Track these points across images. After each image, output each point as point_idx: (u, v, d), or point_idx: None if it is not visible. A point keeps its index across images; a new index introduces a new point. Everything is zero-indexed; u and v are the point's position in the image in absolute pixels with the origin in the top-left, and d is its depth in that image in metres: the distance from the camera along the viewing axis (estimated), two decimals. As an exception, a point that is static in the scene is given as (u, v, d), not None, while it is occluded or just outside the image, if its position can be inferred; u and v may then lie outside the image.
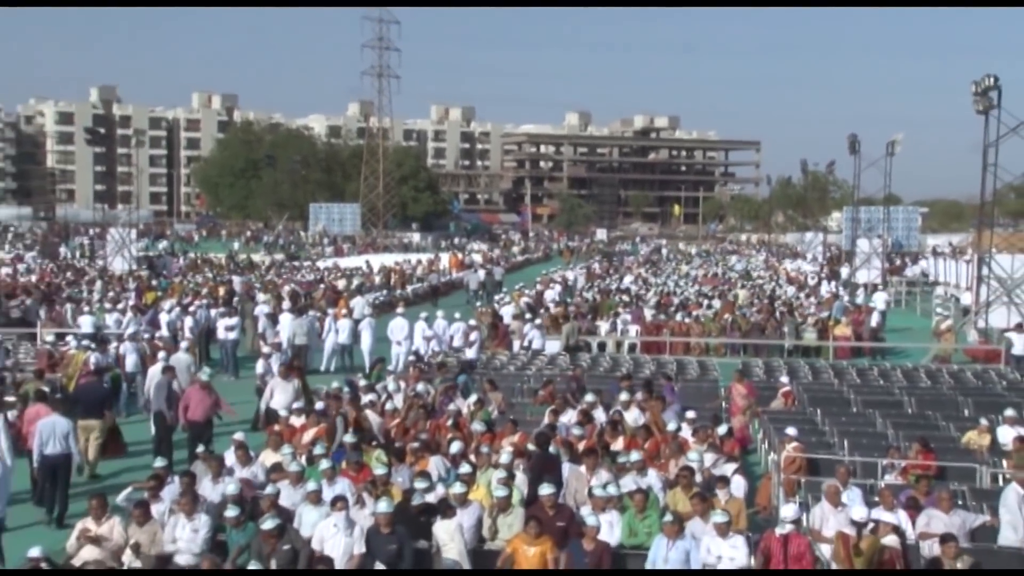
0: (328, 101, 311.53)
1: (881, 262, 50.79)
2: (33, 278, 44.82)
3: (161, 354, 20.69)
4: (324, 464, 12.99)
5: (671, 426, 15.71)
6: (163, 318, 28.65)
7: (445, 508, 11.76)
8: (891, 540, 11.26)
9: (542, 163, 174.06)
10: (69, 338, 24.86)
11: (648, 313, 34.33)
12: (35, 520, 14.34)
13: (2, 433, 13.61)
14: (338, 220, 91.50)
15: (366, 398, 17.36)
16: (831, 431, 17.20)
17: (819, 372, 24.52)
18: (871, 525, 11.33)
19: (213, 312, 29.30)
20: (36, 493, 15.02)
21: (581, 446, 14.53)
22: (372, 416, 16.39)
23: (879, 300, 38.09)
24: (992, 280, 31.82)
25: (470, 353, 25.21)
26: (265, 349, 22.38)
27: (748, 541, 11.16)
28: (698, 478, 13.09)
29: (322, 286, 42.78)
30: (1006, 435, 16.09)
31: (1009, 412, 17.08)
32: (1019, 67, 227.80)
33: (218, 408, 17.28)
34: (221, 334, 26.99)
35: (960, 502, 13.07)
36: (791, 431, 15.77)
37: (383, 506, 11.35)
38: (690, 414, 16.73)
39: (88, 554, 11.09)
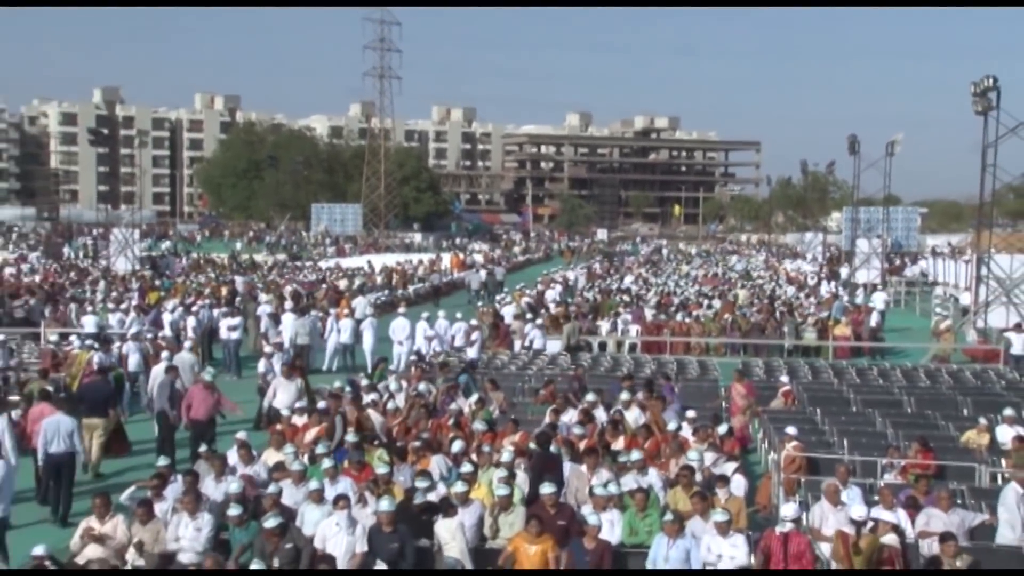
0: (330, 102, 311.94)
1: (880, 262, 50.78)
2: (37, 278, 44.87)
3: (164, 354, 20.79)
4: (326, 463, 13.02)
5: (671, 425, 15.77)
6: (166, 318, 28.69)
7: (447, 507, 11.79)
8: (890, 539, 11.28)
9: (543, 164, 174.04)
10: (73, 338, 24.93)
11: (649, 313, 34.38)
12: (39, 519, 14.40)
13: (6, 432, 13.68)
14: (340, 220, 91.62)
15: (368, 397, 17.40)
16: (831, 430, 17.25)
17: (819, 372, 24.55)
18: (870, 524, 11.34)
19: (216, 312, 29.39)
20: (40, 492, 15.08)
21: (582, 445, 14.57)
22: (374, 415, 16.42)
23: (878, 300, 38.13)
24: (991, 280, 31.86)
25: (471, 353, 25.27)
26: (267, 349, 22.42)
27: (748, 540, 11.19)
28: (698, 477, 13.12)
29: (324, 286, 42.84)
30: (1005, 434, 16.14)
31: (1008, 411, 17.17)
32: (1018, 68, 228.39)
33: (220, 407, 17.34)
34: (224, 334, 27.06)
35: (959, 501, 13.12)
36: (791, 430, 15.83)
37: (385, 505, 11.39)
38: (690, 413, 16.82)
39: (92, 552, 11.12)
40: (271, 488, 12.27)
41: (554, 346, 28.25)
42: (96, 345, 22.06)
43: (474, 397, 17.73)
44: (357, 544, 11.26)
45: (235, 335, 26.96)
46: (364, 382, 19.05)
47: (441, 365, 22.11)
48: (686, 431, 15.71)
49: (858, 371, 24.64)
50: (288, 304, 30.33)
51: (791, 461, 14.98)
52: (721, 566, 10.99)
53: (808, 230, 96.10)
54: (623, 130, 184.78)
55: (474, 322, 28.04)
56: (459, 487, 12.16)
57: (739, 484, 13.49)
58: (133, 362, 21.98)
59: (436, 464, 13.81)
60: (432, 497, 12.39)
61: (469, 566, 11.33)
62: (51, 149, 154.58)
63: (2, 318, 31.15)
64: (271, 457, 14.00)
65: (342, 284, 43.78)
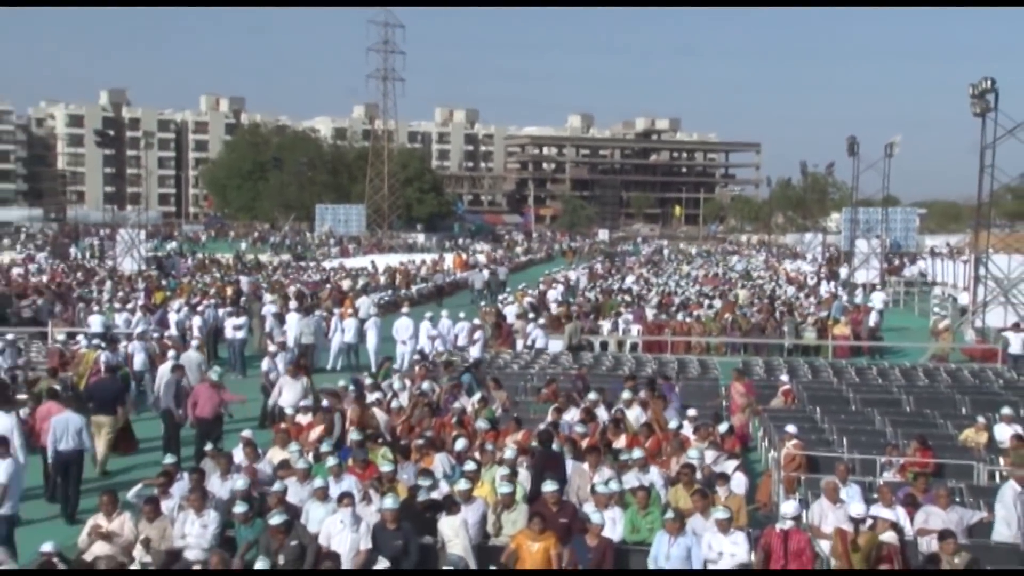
0: (334, 104, 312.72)
1: (880, 262, 50.83)
2: (44, 278, 45.07)
3: (171, 353, 20.93)
4: (331, 461, 13.09)
5: (672, 424, 15.85)
6: (172, 317, 28.93)
7: (450, 504, 11.84)
8: (889, 536, 11.33)
9: (545, 165, 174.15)
10: (80, 337, 25.09)
11: (650, 313, 34.48)
12: (47, 516, 14.52)
13: (16, 431, 13.78)
14: (344, 221, 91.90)
15: (372, 396, 17.51)
16: (830, 429, 17.33)
17: (818, 371, 24.63)
18: (869, 521, 11.40)
19: (221, 312, 29.48)
20: (48, 489, 15.24)
21: (584, 444, 14.63)
22: (379, 414, 16.51)
23: (877, 300, 38.24)
24: (989, 280, 31.96)
25: (474, 352, 25.40)
26: (271, 348, 22.54)
27: (749, 537, 11.24)
28: (698, 475, 13.20)
29: (328, 286, 42.97)
30: (1003, 433, 16.23)
31: (1006, 410, 17.27)
32: (1016, 70, 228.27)
33: (226, 404, 17.46)
34: (229, 333, 27.20)
35: (957, 499, 13.18)
36: (791, 429, 15.92)
37: (389, 502, 11.44)
38: (691, 412, 16.91)
39: (99, 549, 11.15)
40: (276, 486, 12.32)
41: (556, 345, 28.38)
42: (103, 344, 22.16)
43: (477, 396, 17.84)
44: (361, 541, 11.30)
45: (240, 334, 27.09)
46: (368, 381, 19.14)
47: (446, 364, 22.18)
48: (687, 430, 15.78)
49: (857, 370, 24.71)
50: (292, 304, 30.44)
51: (791, 459, 15.05)
52: (722, 563, 11.04)
53: (808, 231, 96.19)
54: (624, 131, 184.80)
55: (477, 321, 28.13)
56: (462, 485, 12.20)
57: (740, 482, 13.55)
58: (138, 361, 22.14)
59: (439, 462, 13.87)
60: (435, 495, 12.46)
61: (472, 563, 11.37)
62: (58, 151, 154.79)
63: (10, 317, 31.29)
64: (276, 455, 14.05)
65: (346, 284, 43.85)
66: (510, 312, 32.59)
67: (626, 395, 17.63)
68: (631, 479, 12.96)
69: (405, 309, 29.77)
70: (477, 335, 26.42)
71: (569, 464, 13.57)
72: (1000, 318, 31.17)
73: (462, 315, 29.48)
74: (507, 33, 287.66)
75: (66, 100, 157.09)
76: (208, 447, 14.60)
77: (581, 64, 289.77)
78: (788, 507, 11.31)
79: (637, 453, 13.72)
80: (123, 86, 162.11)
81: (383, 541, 11.26)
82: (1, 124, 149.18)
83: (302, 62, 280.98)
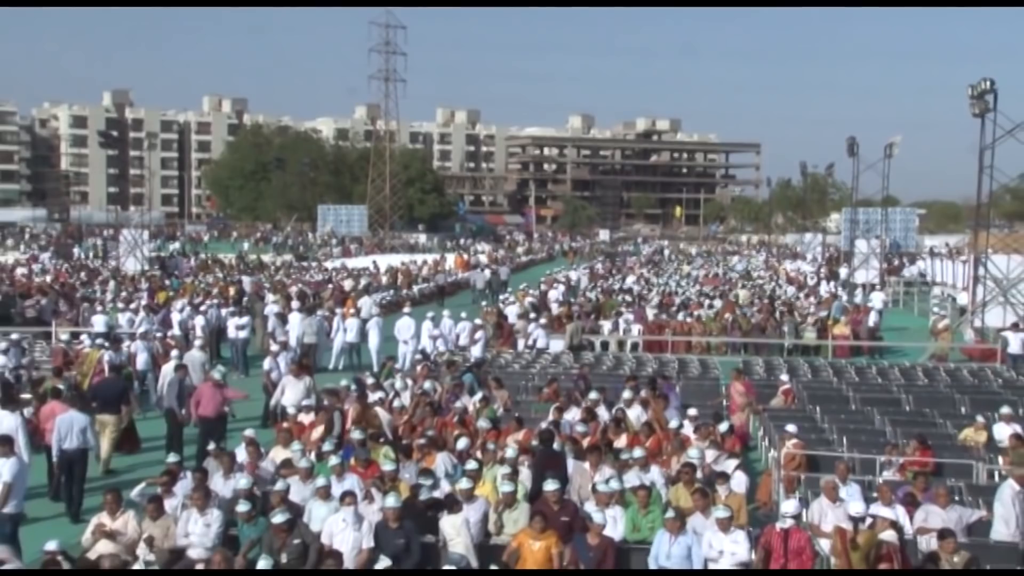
0: (336, 104, 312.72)
1: (879, 262, 50.91)
2: (48, 278, 45.20)
3: (174, 352, 21.01)
4: (333, 460, 13.14)
5: (673, 423, 15.90)
6: (175, 317, 29.10)
7: (452, 503, 11.89)
8: (889, 535, 11.36)
9: (546, 165, 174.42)
10: (83, 337, 25.19)
11: (650, 312, 34.55)
12: (51, 514, 14.59)
13: (21, 431, 13.86)
14: (346, 221, 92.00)
15: (375, 396, 17.57)
16: (830, 428, 17.40)
17: (818, 370, 24.70)
18: (869, 520, 11.43)
19: (223, 311, 29.59)
20: (52, 488, 15.31)
21: (585, 443, 14.68)
22: (382, 413, 16.57)
23: (877, 300, 38.33)
24: (988, 280, 32.04)
25: (475, 351, 25.46)
26: (273, 347, 22.62)
27: (749, 536, 11.27)
28: (699, 474, 13.24)
29: (330, 286, 43.01)
30: (1002, 432, 16.28)
31: (1005, 410, 17.33)
32: (1015, 71, 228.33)
33: (228, 401, 17.54)
34: (232, 333, 27.32)
35: (957, 498, 13.24)
36: (791, 428, 15.99)
37: (391, 501, 11.48)
38: (692, 411, 16.96)
39: (103, 548, 11.18)
40: (279, 485, 12.34)
41: (557, 345, 28.46)
42: (106, 344, 22.22)
43: (478, 395, 17.89)
44: (363, 540, 11.35)
45: (243, 334, 27.22)
46: (370, 380, 19.21)
47: (449, 364, 22.25)
48: (688, 429, 15.83)
49: (857, 370, 24.77)
50: (295, 304, 30.53)
51: (791, 458, 15.10)
52: (722, 562, 11.07)
53: (808, 231, 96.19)
54: (625, 132, 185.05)
55: (478, 321, 28.20)
56: (464, 484, 12.24)
57: (740, 481, 13.59)
58: (141, 361, 22.23)
59: (441, 461, 13.90)
60: (436, 494, 12.52)
61: (474, 562, 11.41)
62: (61, 151, 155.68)
63: (14, 317, 31.46)
64: (279, 454, 14.09)
65: (348, 284, 43.87)
66: (511, 312, 32.68)
67: (627, 394, 17.68)
68: (632, 478, 13.00)
69: (407, 309, 29.81)
70: (478, 335, 26.50)
71: (570, 463, 13.60)
72: (999, 318, 31.27)
73: (464, 315, 29.55)
74: (508, 34, 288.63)
75: (70, 101, 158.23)
76: (211, 446, 14.67)
77: (582, 65, 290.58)
78: (788, 506, 11.34)
79: (638, 452, 13.76)
80: (126, 87, 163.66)
81: (385, 540, 11.29)
82: (5, 125, 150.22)
83: (304, 63, 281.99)
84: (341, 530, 11.43)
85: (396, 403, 17.72)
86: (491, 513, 12.13)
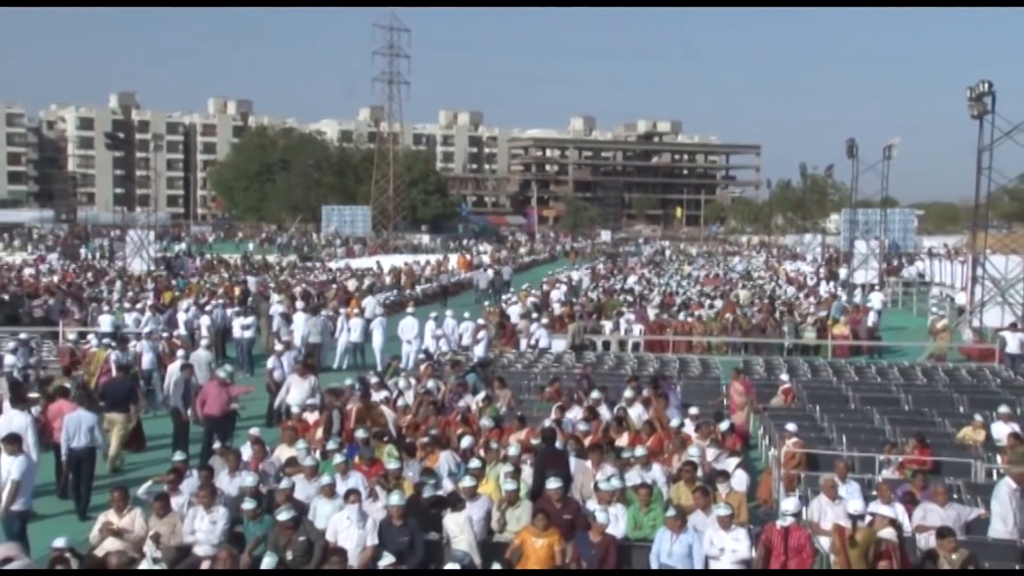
0: (340, 106, 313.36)
1: (878, 263, 51.02)
2: (55, 279, 45.41)
3: (180, 352, 21.14)
4: (338, 459, 13.20)
5: (674, 422, 15.98)
6: (181, 317, 29.26)
7: (455, 501, 11.96)
8: (888, 533, 11.42)
9: (548, 167, 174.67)
10: (90, 337, 25.32)
11: (651, 312, 34.65)
12: (59, 511, 14.72)
13: (30, 429, 13.96)
14: (350, 222, 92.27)
15: (379, 395, 17.68)
16: (830, 427, 17.46)
17: (818, 370, 24.76)
18: (868, 518, 11.49)
19: (229, 311, 29.74)
20: (60, 485, 15.46)
21: (587, 442, 14.76)
22: (387, 412, 16.68)
23: (876, 300, 38.46)
24: (986, 280, 32.15)
25: (478, 351, 25.57)
26: (278, 347, 22.75)
27: (750, 533, 11.31)
28: (699, 472, 13.32)
29: (334, 286, 43.10)
30: (1000, 431, 16.36)
31: (1003, 409, 17.42)
32: (1013, 73, 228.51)
33: (235, 397, 17.65)
34: (237, 333, 27.45)
35: (955, 496, 13.27)
36: (791, 427, 16.05)
37: (395, 499, 11.53)
38: (693, 410, 17.04)
39: (110, 545, 11.25)
40: (284, 483, 12.44)
41: (559, 345, 28.54)
42: (113, 344, 22.38)
43: (481, 395, 17.97)
44: (368, 537, 11.41)
45: (248, 334, 27.35)
46: (374, 380, 19.32)
47: (453, 363, 22.35)
48: (689, 428, 15.90)
49: (856, 369, 24.82)
50: (299, 304, 30.65)
51: (791, 457, 15.17)
52: (723, 559, 11.12)
53: (807, 232, 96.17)
54: (626, 134, 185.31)
55: (481, 321, 28.30)
56: (467, 482, 12.31)
57: (741, 479, 13.66)
58: (146, 360, 22.34)
59: (445, 460, 13.97)
60: (440, 492, 12.60)
61: (477, 559, 11.47)
62: (68, 153, 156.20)
63: (22, 317, 31.63)
64: (284, 453, 14.17)
65: (352, 284, 44.02)
66: (514, 312, 32.81)
67: (628, 393, 17.77)
68: (633, 476, 13.06)
69: (410, 309, 29.97)
70: (481, 335, 26.61)
71: (572, 461, 13.63)
72: (997, 318, 31.40)
73: (466, 315, 29.64)
74: (511, 37, 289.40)
75: (76, 103, 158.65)
76: (216, 445, 14.77)
77: (583, 67, 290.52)
78: (788, 504, 11.37)
79: (639, 451, 13.84)
80: (132, 89, 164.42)
81: (389, 537, 11.35)
82: (13, 127, 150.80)
83: (308, 66, 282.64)
84: (345, 527, 11.49)
85: (400, 402, 17.81)
86: (494, 511, 12.17)
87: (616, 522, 11.88)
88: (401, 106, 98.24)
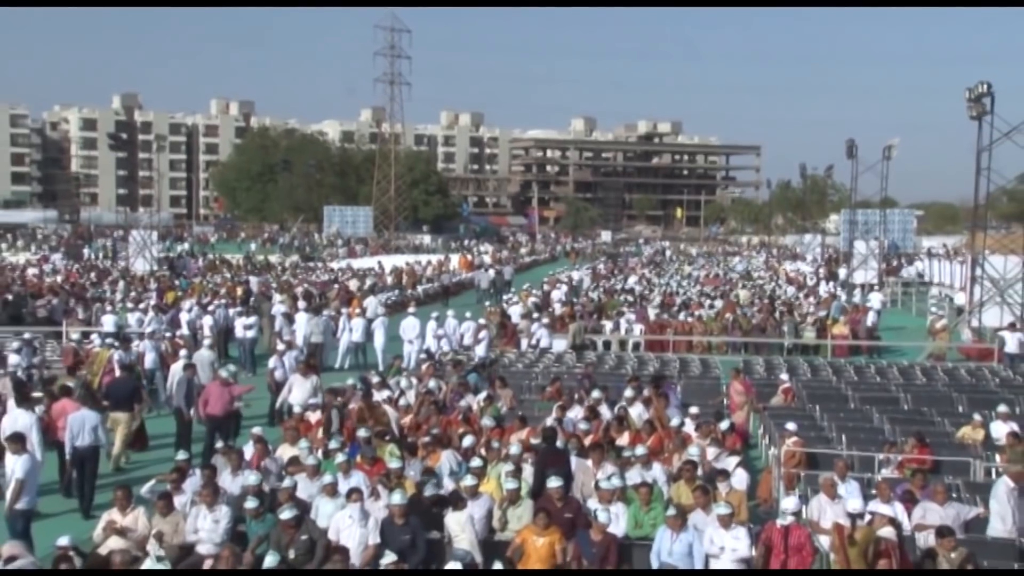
0: (342, 107, 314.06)
1: (878, 263, 51.09)
2: (59, 279, 45.51)
3: (183, 352, 21.22)
4: (340, 458, 13.27)
5: (674, 422, 16.03)
6: (183, 317, 29.29)
7: (456, 500, 12.00)
8: (887, 531, 11.44)
9: (549, 167, 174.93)
10: (93, 336, 25.40)
11: (652, 312, 34.71)
12: (63, 510, 14.79)
13: (35, 429, 14.06)
14: (351, 222, 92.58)
15: (381, 394, 17.75)
16: (830, 426, 17.51)
17: (818, 370, 24.82)
18: (867, 517, 11.52)
19: (231, 311, 29.81)
20: (64, 484, 15.53)
21: (588, 441, 14.80)
22: (390, 411, 16.75)
23: (875, 300, 38.57)
24: (985, 281, 32.23)
25: (479, 351, 25.62)
26: (280, 347, 22.83)
27: (750, 532, 11.34)
28: (699, 471, 13.36)
29: (336, 286, 43.13)
30: (999, 430, 16.41)
31: (1002, 408, 17.49)
32: (1012, 74, 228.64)
33: (238, 396, 17.71)
34: (239, 332, 27.56)
35: (954, 495, 13.32)
36: (791, 426, 16.10)
37: (397, 498, 11.59)
38: (693, 410, 17.08)
39: (114, 543, 11.31)
40: (286, 482, 12.49)
41: (560, 345, 28.61)
42: (116, 343, 22.45)
43: (483, 394, 18.01)
44: (370, 536, 11.46)
45: (251, 334, 27.45)
46: (375, 379, 19.39)
47: (455, 363, 22.42)
48: (689, 427, 15.94)
49: (856, 369, 24.88)
50: (301, 304, 30.73)
51: (791, 456, 15.21)
52: (723, 558, 11.15)
53: (807, 232, 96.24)
54: (627, 134, 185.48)
55: (482, 321, 28.37)
56: (469, 481, 12.34)
57: (741, 478, 13.70)
58: (149, 360, 22.42)
59: (446, 459, 14.03)
60: (441, 491, 12.67)
61: (478, 557, 11.51)
62: (72, 153, 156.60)
63: (25, 317, 31.72)
64: (286, 452, 14.23)
65: (353, 284, 44.08)
66: (515, 312, 32.89)
67: (629, 393, 17.82)
68: (634, 475, 13.11)
69: (412, 309, 30.03)
70: (482, 334, 26.67)
71: (573, 461, 13.67)
72: (996, 318, 31.51)
73: (468, 315, 29.72)
74: (511, 38, 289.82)
75: (80, 104, 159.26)
76: (219, 444, 14.83)
77: (584, 68, 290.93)
78: (788, 503, 11.40)
79: (640, 450, 13.88)
80: (135, 90, 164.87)
81: (391, 536, 11.40)
82: (16, 127, 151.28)
83: (310, 67, 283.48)
84: (348, 526, 11.53)
85: (401, 402, 17.87)
86: (495, 510, 12.21)
87: (617, 521, 11.90)
88: (402, 107, 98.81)
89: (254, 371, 26.02)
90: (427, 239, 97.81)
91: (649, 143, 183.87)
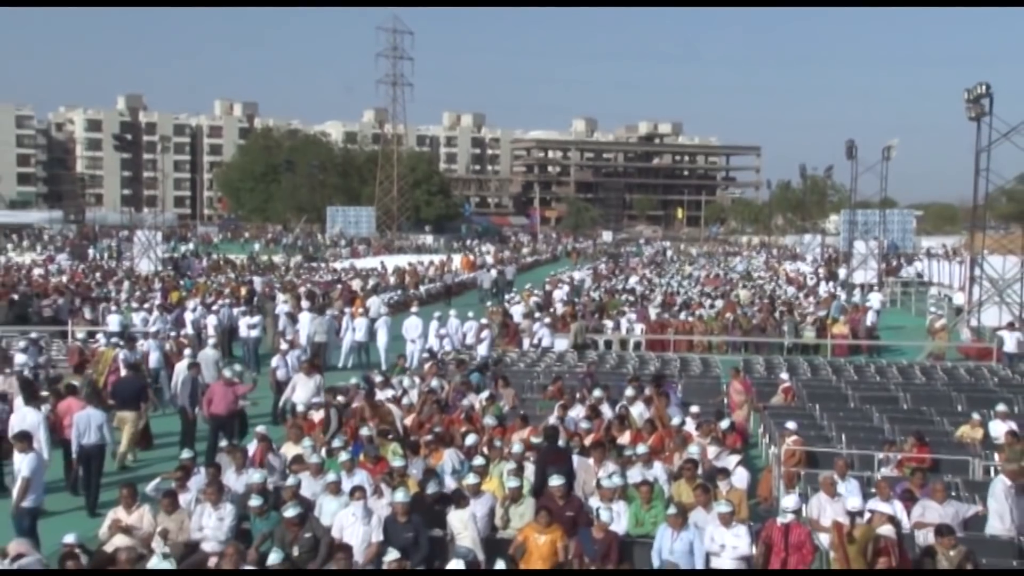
0: (345, 108, 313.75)
1: (877, 263, 51.16)
2: (64, 279, 45.61)
3: (187, 351, 21.31)
4: (343, 456, 13.35)
5: (675, 420, 16.10)
6: (188, 316, 29.51)
7: (459, 498, 12.06)
8: (887, 529, 11.49)
9: (550, 168, 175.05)
10: (99, 336, 25.53)
11: (653, 312, 34.78)
12: (69, 508, 14.88)
13: (42, 427, 14.15)
14: (354, 223, 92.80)
15: (384, 393, 17.83)
16: (829, 425, 17.58)
17: (818, 369, 24.88)
18: (867, 515, 11.59)
19: (235, 311, 29.95)
20: (70, 482, 15.63)
21: (589, 440, 14.87)
22: (395, 410, 16.83)
23: (875, 300, 38.65)
24: (984, 280, 32.29)
25: (481, 350, 25.71)
26: (283, 346, 22.93)
27: (750, 530, 11.38)
28: (700, 470, 13.42)
29: (339, 286, 43.22)
30: (997, 429, 16.48)
31: (1000, 407, 17.57)
32: (1010, 75, 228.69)
33: (242, 395, 17.81)
34: (243, 332, 27.67)
35: (953, 493, 13.37)
36: (791, 425, 16.16)
37: (400, 496, 11.66)
38: (694, 409, 17.14)
39: (119, 541, 11.38)
40: (290, 480, 12.54)
41: (561, 344, 28.69)
42: (121, 343, 22.59)
43: (485, 394, 18.07)
44: (373, 534, 11.51)
45: (254, 333, 27.56)
46: (378, 379, 19.45)
47: (458, 363, 22.46)
48: (689, 426, 16.00)
49: (856, 368, 24.93)
50: (305, 304, 30.85)
51: (791, 455, 15.28)
52: (724, 556, 11.19)
53: (807, 232, 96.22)
54: (627, 135, 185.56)
55: (484, 321, 28.45)
56: (471, 479, 12.40)
57: (741, 477, 13.76)
58: (153, 359, 22.53)
59: (448, 457, 14.11)
60: (443, 489, 12.76)
61: (481, 555, 11.57)
62: (77, 154, 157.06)
63: (31, 317, 31.83)
64: (290, 451, 14.31)
65: (356, 284, 44.15)
66: (517, 311, 32.99)
67: (630, 392, 17.90)
68: (635, 474, 13.17)
69: (414, 308, 30.15)
70: (484, 334, 26.76)
71: (575, 459, 13.71)
72: (995, 317, 31.58)
73: (470, 314, 29.82)
74: (513, 39, 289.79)
75: (85, 105, 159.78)
76: (223, 443, 14.92)
77: (585, 69, 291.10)
78: (788, 501, 11.44)
79: (641, 448, 13.94)
80: (140, 92, 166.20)
81: (394, 533, 11.45)
82: (22, 129, 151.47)
83: (313, 68, 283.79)
84: (351, 524, 11.59)
85: (404, 401, 17.95)
86: (498, 508, 12.27)
87: (618, 519, 11.95)
88: (405, 108, 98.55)
89: (258, 370, 26.03)
90: (429, 239, 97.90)
91: (650, 144, 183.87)
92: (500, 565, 10.57)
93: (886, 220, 60.07)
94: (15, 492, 12.73)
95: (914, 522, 12.41)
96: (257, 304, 33.60)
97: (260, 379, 22.22)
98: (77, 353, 22.67)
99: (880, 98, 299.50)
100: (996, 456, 15.47)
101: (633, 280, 50.06)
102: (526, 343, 29.18)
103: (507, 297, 40.20)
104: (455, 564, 10.56)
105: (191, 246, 78.40)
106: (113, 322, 28.09)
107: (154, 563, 10.64)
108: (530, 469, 13.41)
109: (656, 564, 11.38)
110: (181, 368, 18.88)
